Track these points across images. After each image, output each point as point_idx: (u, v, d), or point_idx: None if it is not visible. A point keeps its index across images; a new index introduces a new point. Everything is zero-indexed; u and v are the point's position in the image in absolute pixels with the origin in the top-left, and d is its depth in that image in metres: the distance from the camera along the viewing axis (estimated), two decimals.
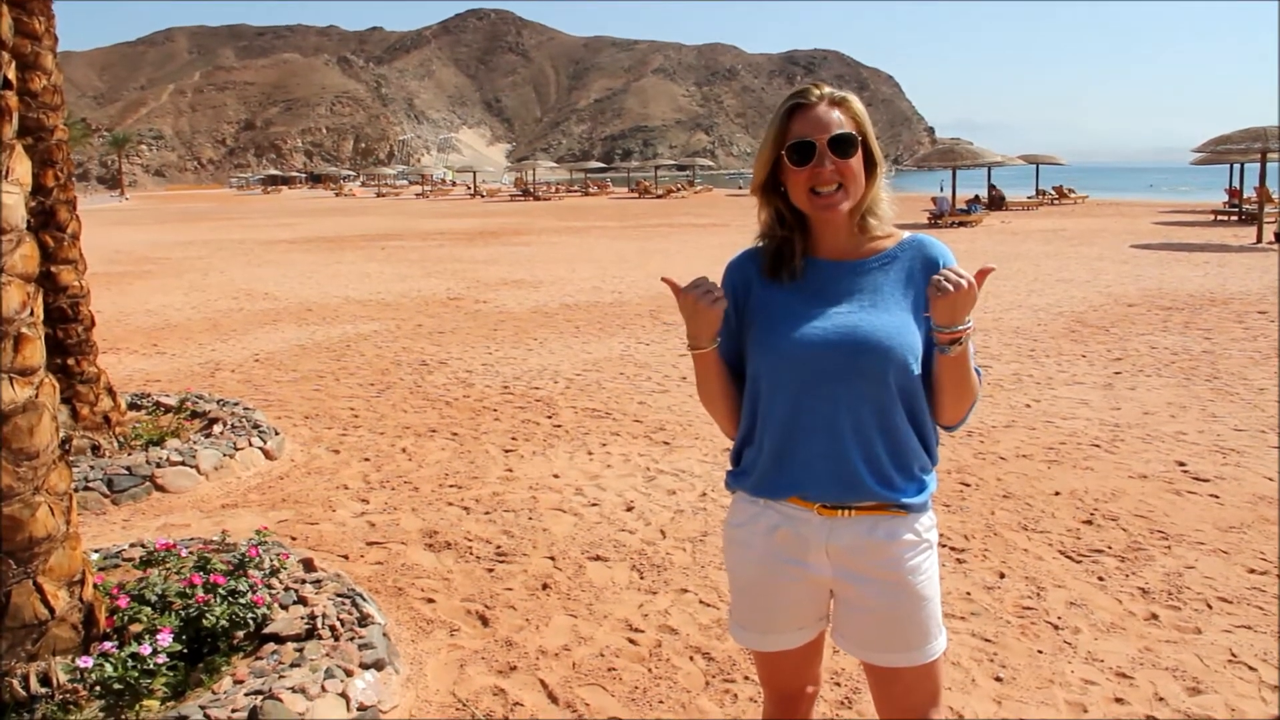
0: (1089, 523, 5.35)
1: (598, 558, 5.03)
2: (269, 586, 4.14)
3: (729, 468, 2.32)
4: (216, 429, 7.13)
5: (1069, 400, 8.07)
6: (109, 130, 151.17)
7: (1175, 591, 4.47)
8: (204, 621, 3.71)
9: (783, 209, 2.17)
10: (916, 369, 2.11)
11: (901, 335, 2.09)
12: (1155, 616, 4.23)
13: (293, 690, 3.32)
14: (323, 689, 3.38)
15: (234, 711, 3.21)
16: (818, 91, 2.10)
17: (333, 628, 3.84)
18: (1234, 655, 3.88)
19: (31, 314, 3.48)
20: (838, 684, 3.71)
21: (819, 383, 2.09)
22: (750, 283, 2.21)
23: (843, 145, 2.06)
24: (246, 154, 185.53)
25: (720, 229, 30.20)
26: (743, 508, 2.24)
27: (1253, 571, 4.66)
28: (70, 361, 6.67)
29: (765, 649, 2.29)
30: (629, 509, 5.74)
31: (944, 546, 4.93)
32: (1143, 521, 5.35)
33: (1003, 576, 4.68)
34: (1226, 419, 7.34)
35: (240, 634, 3.81)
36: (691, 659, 3.96)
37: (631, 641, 4.11)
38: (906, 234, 2.22)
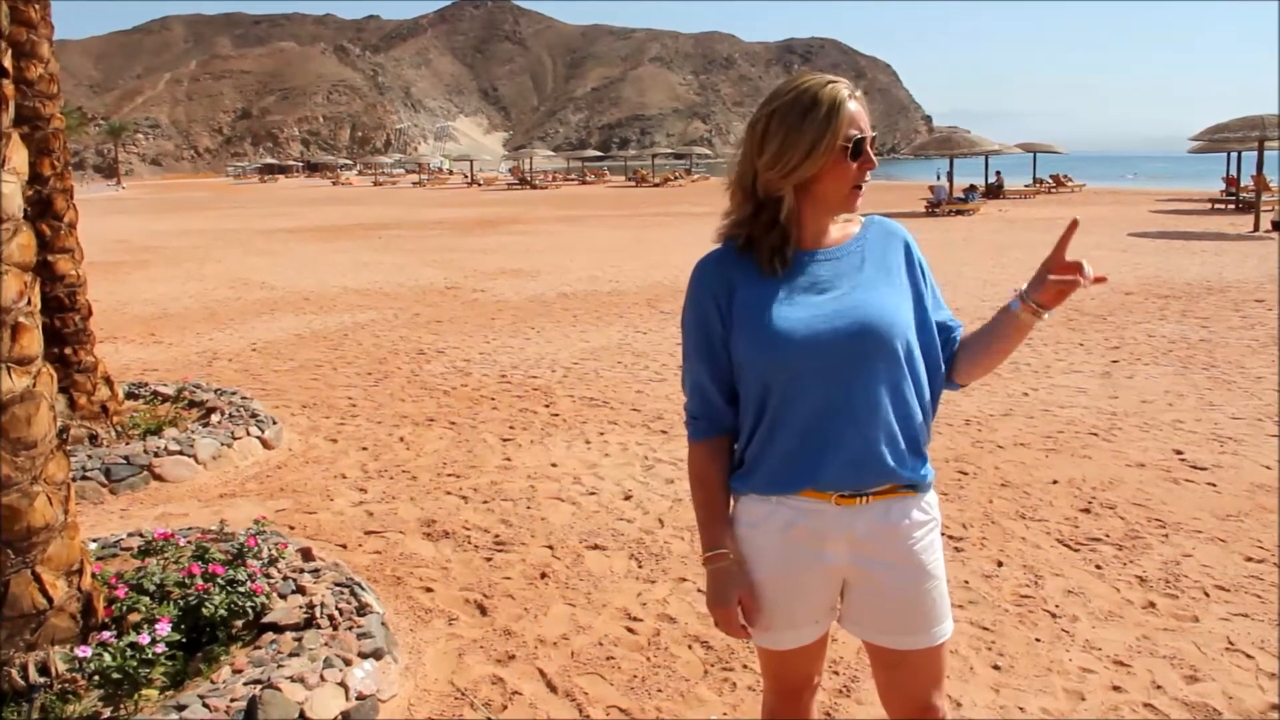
0: (1087, 511, 5.36)
1: (596, 546, 5.03)
2: (267, 576, 4.14)
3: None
4: (214, 418, 7.13)
5: (1067, 389, 8.07)
6: (105, 119, 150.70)
7: (1173, 580, 4.48)
8: (203, 611, 3.71)
9: (790, 201, 2.12)
10: (915, 340, 2.13)
11: (900, 310, 2.11)
12: (1153, 605, 4.24)
13: (291, 679, 3.32)
14: (321, 678, 3.38)
15: (233, 701, 3.21)
16: (846, 86, 2.10)
17: (331, 617, 3.84)
18: (1231, 643, 3.88)
19: (29, 303, 3.47)
20: (837, 672, 3.72)
21: (830, 370, 2.07)
22: (732, 285, 2.14)
23: (874, 141, 2.11)
24: (243, 143, 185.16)
25: (718, 218, 30.10)
26: (753, 508, 2.19)
27: (1250, 560, 4.67)
28: (67, 351, 6.66)
29: (783, 647, 2.25)
30: (627, 498, 5.74)
31: (942, 535, 4.93)
32: (1140, 510, 5.35)
33: (1000, 565, 4.69)
34: (1224, 407, 7.34)
35: (239, 623, 3.82)
36: (690, 647, 3.96)
37: (630, 630, 4.12)
38: (864, 217, 2.23)
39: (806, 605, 2.20)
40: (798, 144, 2.05)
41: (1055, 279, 2.04)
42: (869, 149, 2.09)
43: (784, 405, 2.10)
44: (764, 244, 2.13)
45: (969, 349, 2.22)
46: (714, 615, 2.20)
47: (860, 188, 2.11)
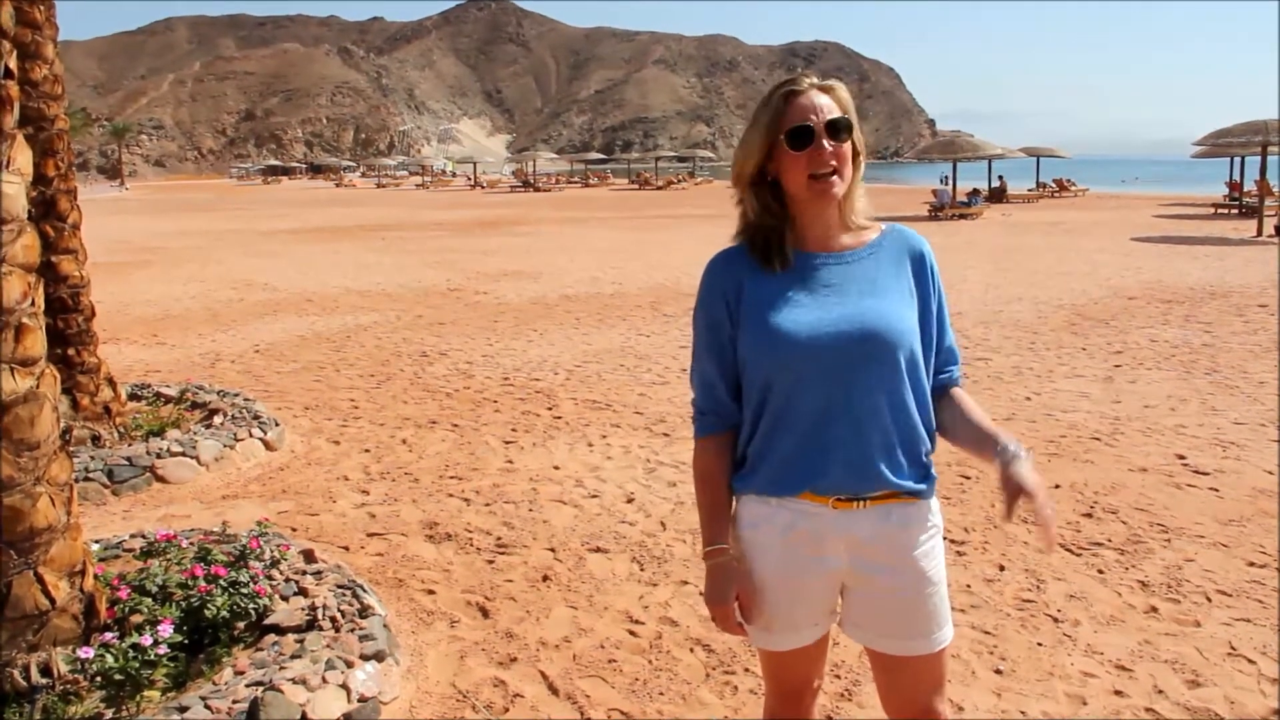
0: (1089, 515, 5.35)
1: (598, 549, 5.03)
2: (270, 578, 4.15)
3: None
4: (217, 420, 7.13)
5: (1069, 393, 8.07)
6: (109, 120, 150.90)
7: (1175, 584, 4.47)
8: (205, 612, 3.72)
9: (769, 199, 2.16)
10: (920, 352, 2.14)
11: (906, 320, 2.12)
12: (1155, 609, 4.23)
13: (293, 681, 3.33)
14: (323, 680, 3.39)
15: (234, 702, 3.22)
16: (808, 79, 2.12)
17: (333, 619, 3.85)
18: (1233, 648, 3.88)
19: (32, 304, 3.47)
20: (838, 676, 3.72)
21: (832, 373, 2.07)
22: (741, 281, 2.16)
23: (837, 129, 2.08)
24: (247, 144, 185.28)
25: (722, 220, 30.08)
26: (753, 509, 2.19)
27: (1252, 565, 4.66)
28: (71, 352, 6.67)
29: (783, 648, 2.25)
30: (629, 500, 5.74)
31: (944, 539, 4.93)
32: (1142, 514, 5.35)
33: (1003, 569, 4.68)
34: (1226, 412, 7.34)
35: (241, 625, 3.82)
36: (692, 650, 3.96)
37: (632, 633, 4.12)
38: (885, 224, 2.25)
39: (806, 607, 2.20)
40: (753, 140, 2.12)
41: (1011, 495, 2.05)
42: (821, 137, 2.06)
43: (785, 405, 2.11)
44: (757, 243, 2.18)
45: (949, 426, 2.26)
46: (711, 612, 2.21)
47: (820, 178, 2.08)
